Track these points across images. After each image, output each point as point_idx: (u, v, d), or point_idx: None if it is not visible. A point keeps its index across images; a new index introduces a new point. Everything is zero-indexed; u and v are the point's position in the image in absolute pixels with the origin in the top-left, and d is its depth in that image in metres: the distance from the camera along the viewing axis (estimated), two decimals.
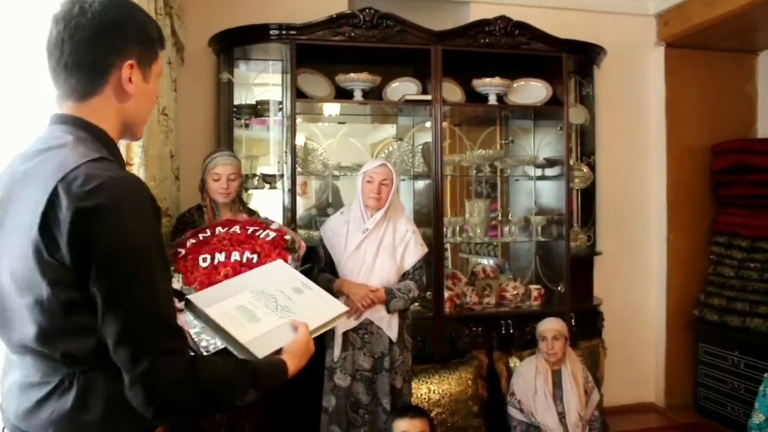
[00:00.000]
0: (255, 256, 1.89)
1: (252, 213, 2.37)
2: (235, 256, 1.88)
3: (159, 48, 0.95)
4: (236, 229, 2.00)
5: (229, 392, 0.87)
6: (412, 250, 2.34)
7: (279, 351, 0.98)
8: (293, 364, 0.98)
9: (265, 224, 2.06)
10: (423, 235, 2.50)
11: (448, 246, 3.16)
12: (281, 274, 1.17)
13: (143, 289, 0.79)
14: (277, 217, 2.61)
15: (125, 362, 0.79)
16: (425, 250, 2.40)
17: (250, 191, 2.90)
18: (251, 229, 2.00)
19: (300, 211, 2.95)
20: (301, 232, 2.80)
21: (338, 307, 1.17)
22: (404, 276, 2.33)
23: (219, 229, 2.00)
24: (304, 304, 1.10)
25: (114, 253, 0.77)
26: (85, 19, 0.86)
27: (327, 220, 2.50)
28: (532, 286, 3.11)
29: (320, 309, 1.12)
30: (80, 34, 0.85)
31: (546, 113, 3.14)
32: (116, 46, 0.88)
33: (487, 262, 3.34)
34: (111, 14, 0.87)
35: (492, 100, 3.01)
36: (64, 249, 0.77)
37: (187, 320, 1.09)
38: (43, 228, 0.78)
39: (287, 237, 2.00)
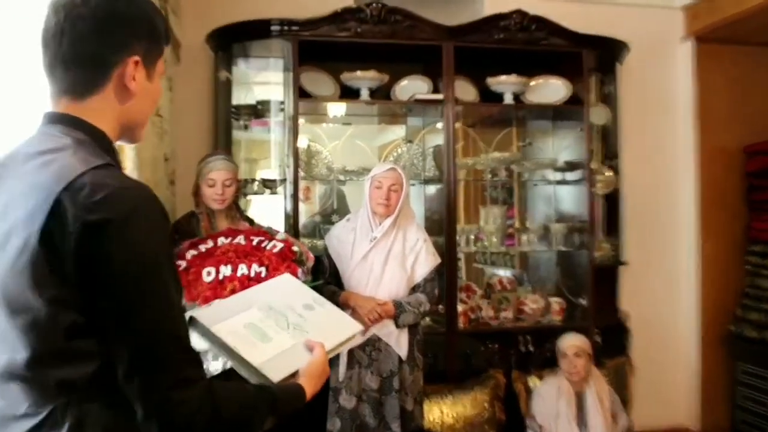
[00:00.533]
0: (263, 270, 1.88)
1: (250, 221, 2.36)
2: (242, 269, 1.87)
3: (164, 44, 0.93)
4: (240, 239, 1.99)
5: (249, 421, 0.85)
6: (423, 260, 2.32)
7: (294, 373, 0.98)
8: (310, 387, 0.97)
9: (270, 234, 2.06)
10: (435, 244, 2.48)
11: (461, 256, 3.15)
12: (290, 289, 1.17)
13: (158, 309, 0.77)
14: (278, 225, 2.61)
15: (139, 392, 0.76)
16: (437, 260, 2.39)
17: (249, 197, 2.89)
18: (257, 239, 1.99)
19: (303, 218, 2.95)
20: (305, 240, 2.79)
21: (353, 325, 1.17)
22: (414, 288, 2.31)
23: (221, 240, 1.99)
24: (317, 322, 1.10)
25: (126, 271, 0.75)
26: (88, 8, 0.83)
27: (332, 228, 2.50)
28: (553, 299, 3.08)
29: (334, 327, 1.12)
30: (82, 25, 0.83)
31: (566, 113, 3.12)
32: (121, 40, 0.85)
33: (504, 273, 3.32)
34: (118, 4, 0.85)
35: (508, 99, 2.99)
36: (69, 265, 0.74)
37: None
38: (43, 241, 0.74)
39: (295, 249, 1.99)
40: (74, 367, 0.77)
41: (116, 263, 0.74)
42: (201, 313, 1.02)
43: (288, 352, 1.00)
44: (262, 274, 1.86)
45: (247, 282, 1.83)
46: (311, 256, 2.03)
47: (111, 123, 0.87)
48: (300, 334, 1.04)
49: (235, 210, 2.33)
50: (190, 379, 0.79)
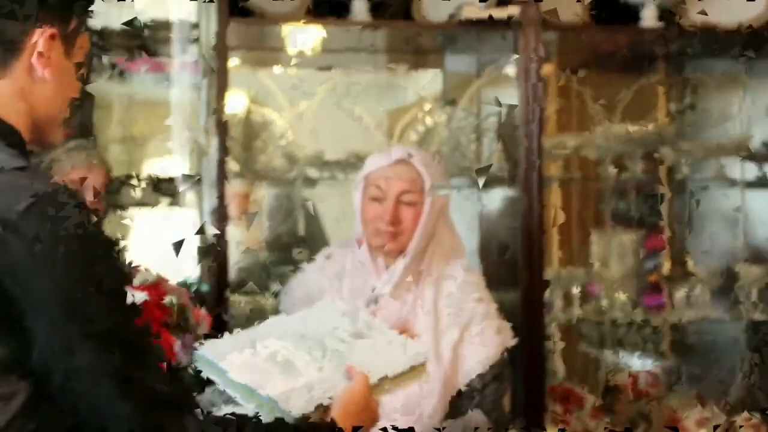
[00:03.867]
0: None
1: None
2: None
3: (89, 3, 1.18)
4: None
5: None
6: (478, 339, 2.30)
7: (325, 409, 1.27)
8: (347, 423, 1.23)
9: None
10: (501, 305, 2.43)
11: (555, 330, 3.15)
12: (334, 315, 1.51)
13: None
14: (182, 268, 2.62)
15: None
16: (508, 340, 2.36)
17: (125, 212, 2.88)
18: None
19: (235, 254, 2.94)
20: (240, 298, 2.84)
21: (415, 354, 1.45)
22: (461, 396, 2.28)
23: None
24: (366, 351, 1.40)
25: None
26: None
27: (296, 274, 2.54)
28: (741, 418, 2.98)
29: (389, 357, 1.41)
30: None
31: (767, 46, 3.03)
32: (25, 7, 1.09)
33: (642, 363, 3.28)
34: None
35: (648, 18, 2.99)
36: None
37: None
38: None
39: (169, 300, 2.09)
40: None
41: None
42: (209, 346, 1.38)
43: (318, 383, 1.29)
44: None
45: None
46: (205, 315, 2.12)
47: (21, 118, 1.13)
48: (339, 362, 1.35)
49: None
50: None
